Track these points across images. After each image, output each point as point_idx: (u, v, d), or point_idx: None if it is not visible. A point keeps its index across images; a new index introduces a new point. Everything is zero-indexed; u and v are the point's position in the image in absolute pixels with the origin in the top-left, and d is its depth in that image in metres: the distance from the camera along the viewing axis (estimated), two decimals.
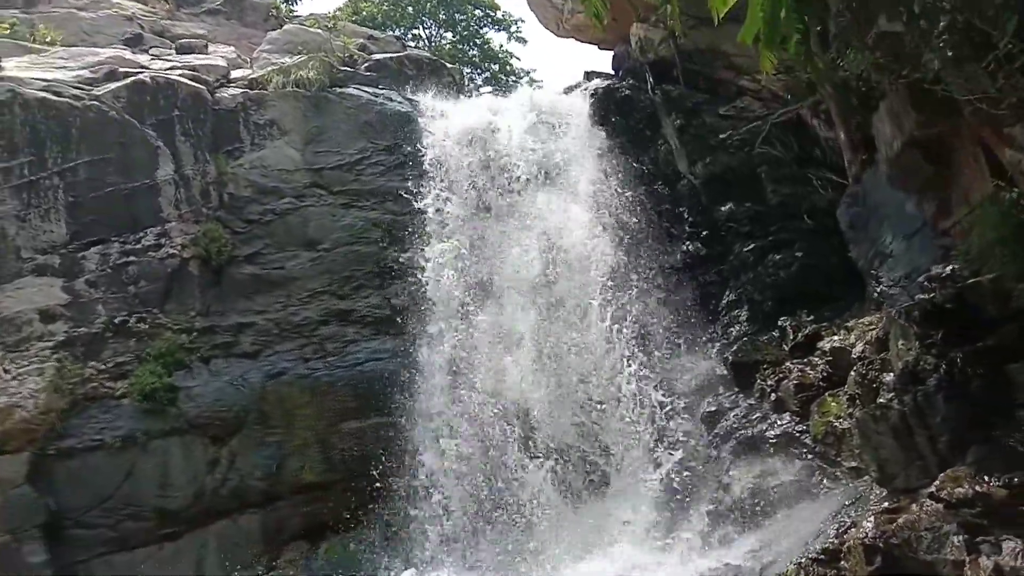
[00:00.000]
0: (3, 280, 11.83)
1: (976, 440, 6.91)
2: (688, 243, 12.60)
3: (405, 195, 13.34)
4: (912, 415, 7.41)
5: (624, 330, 11.80)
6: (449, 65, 17.65)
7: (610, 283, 12.13)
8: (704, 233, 12.58)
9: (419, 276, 12.76)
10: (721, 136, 12.69)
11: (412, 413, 11.95)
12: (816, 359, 9.93)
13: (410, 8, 27.85)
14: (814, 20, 8.72)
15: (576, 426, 11.56)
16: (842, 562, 6.86)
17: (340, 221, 13.33)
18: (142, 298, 12.36)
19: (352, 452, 11.98)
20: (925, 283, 8.25)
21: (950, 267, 8.03)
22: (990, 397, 6.96)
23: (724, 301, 12.01)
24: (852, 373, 9.04)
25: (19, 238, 12.07)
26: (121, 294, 12.29)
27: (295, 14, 21.05)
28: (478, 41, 28.95)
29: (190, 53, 15.35)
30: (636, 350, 11.65)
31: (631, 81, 14.28)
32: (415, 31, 28.10)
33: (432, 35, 28.54)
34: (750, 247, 12.10)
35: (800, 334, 10.46)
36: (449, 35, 28.79)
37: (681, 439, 10.83)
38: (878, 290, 9.62)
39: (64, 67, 13.73)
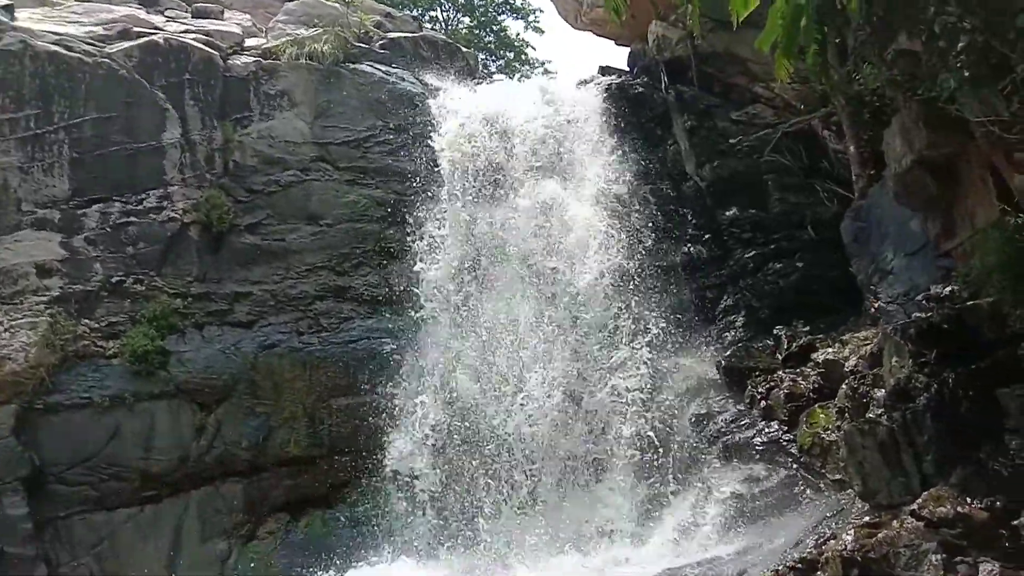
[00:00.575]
0: (2, 232, 11.80)
1: (961, 461, 6.94)
2: (690, 245, 12.59)
3: (411, 176, 13.30)
4: (900, 432, 7.43)
5: (620, 325, 11.80)
6: (464, 49, 17.57)
7: (609, 278, 12.11)
8: (706, 236, 12.58)
9: (417, 258, 12.74)
10: (731, 141, 12.67)
11: (403, 393, 11.93)
12: (808, 370, 9.95)
13: None
14: (833, 32, 8.67)
15: (560, 415, 11.53)
16: (819, 573, 6.88)
17: (344, 197, 13.28)
18: (140, 259, 12.33)
19: (340, 429, 11.96)
20: (923, 302, 8.28)
21: (949, 288, 8.05)
22: (979, 419, 6.98)
23: (721, 305, 12.02)
24: (843, 386, 9.07)
25: (20, 190, 12.03)
26: (119, 254, 12.26)
27: None
28: (495, 28, 28.85)
29: (206, 18, 15.26)
30: (630, 346, 11.64)
31: (645, 79, 14.24)
32: (432, 13, 27.99)
33: (449, 18, 28.44)
34: (751, 254, 12.12)
35: (794, 344, 10.48)
36: (466, 19, 28.70)
37: (667, 439, 10.83)
38: (876, 306, 9.64)
39: (77, 22, 13.68)
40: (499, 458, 11.40)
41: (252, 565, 11.31)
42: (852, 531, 7.00)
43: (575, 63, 48.49)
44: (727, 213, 12.54)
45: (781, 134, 12.09)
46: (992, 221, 7.71)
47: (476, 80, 15.87)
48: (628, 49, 15.54)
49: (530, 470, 11.31)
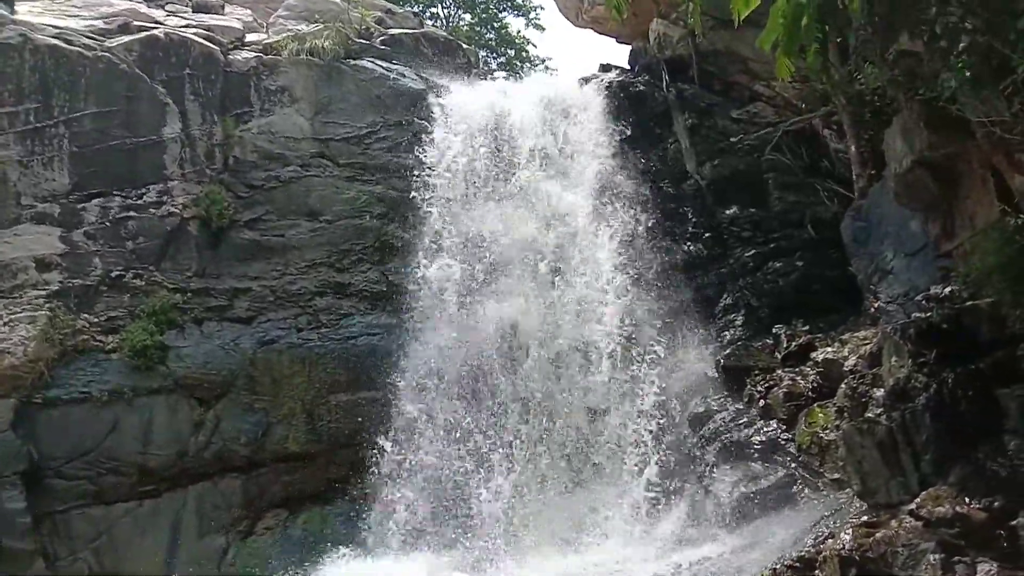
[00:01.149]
0: (1, 225, 11.81)
1: (960, 461, 6.92)
2: (689, 243, 12.57)
3: (411, 172, 13.29)
4: (899, 431, 7.42)
5: (619, 323, 11.80)
6: (465, 46, 17.54)
7: (608, 275, 12.10)
8: (706, 235, 12.56)
9: (417, 255, 12.73)
10: (732, 139, 12.67)
11: (401, 390, 11.93)
12: (808, 369, 9.94)
13: None
14: (834, 32, 8.67)
15: (558, 413, 11.54)
16: (816, 571, 6.87)
17: (343, 194, 13.28)
18: (139, 254, 12.34)
19: (339, 425, 11.98)
20: (923, 302, 8.28)
21: (949, 288, 8.06)
22: (978, 420, 6.97)
23: (721, 304, 12.00)
24: (843, 386, 9.06)
25: (20, 184, 12.04)
26: (119, 248, 12.27)
27: None
28: (496, 25, 28.79)
29: (206, 13, 15.22)
30: (629, 344, 11.65)
31: (646, 77, 14.21)
32: (433, 9, 27.93)
33: (450, 15, 28.39)
34: (751, 252, 12.11)
35: (794, 343, 10.46)
36: (467, 16, 28.63)
37: (666, 437, 10.84)
38: (875, 305, 9.65)
39: (78, 15, 13.65)
40: (497, 452, 11.40)
41: (250, 561, 11.32)
42: (850, 530, 6.99)
43: (576, 61, 48.47)
44: (727, 212, 12.53)
45: (782, 133, 12.08)
46: (992, 222, 7.71)
47: (477, 77, 15.85)
48: (629, 47, 15.51)
49: (528, 466, 11.31)
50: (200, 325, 12.27)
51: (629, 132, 13.53)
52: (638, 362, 11.55)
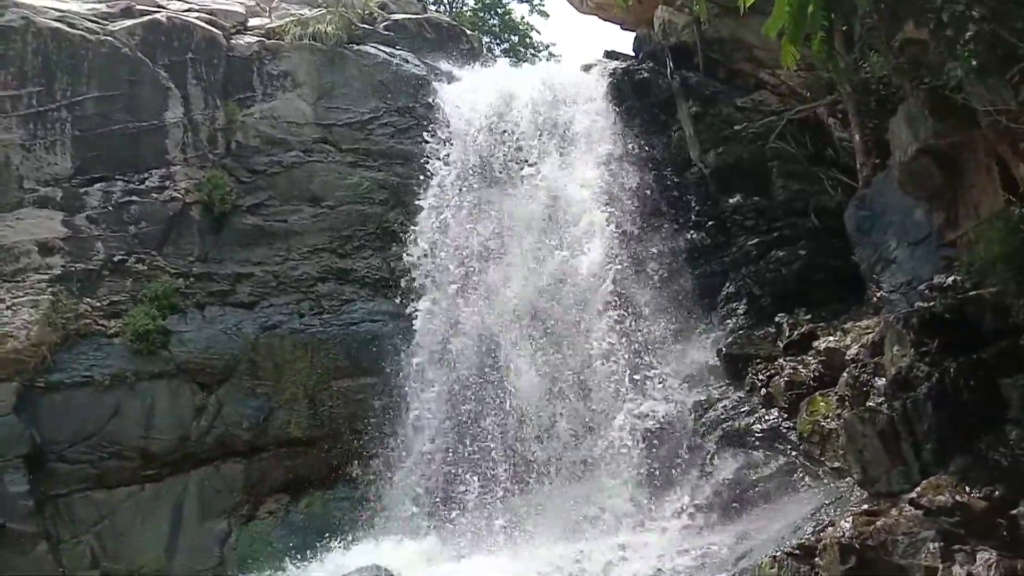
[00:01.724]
0: (4, 209, 11.79)
1: (961, 450, 6.94)
2: (692, 231, 12.55)
3: (413, 158, 13.25)
4: (900, 420, 7.42)
5: (621, 311, 11.79)
6: (469, 32, 17.48)
7: (610, 262, 12.09)
8: (709, 223, 12.53)
9: (419, 241, 12.73)
10: (736, 127, 12.64)
11: (403, 376, 11.95)
12: (809, 358, 9.93)
13: None
14: (840, 20, 8.66)
15: (560, 401, 11.55)
16: (816, 559, 6.90)
17: (346, 179, 13.26)
18: (142, 239, 12.34)
19: (340, 410, 11.99)
20: (926, 291, 8.29)
21: (952, 278, 8.06)
22: (979, 409, 6.99)
23: (723, 293, 12.00)
24: (844, 375, 9.06)
25: (23, 168, 12.03)
26: (121, 233, 12.27)
27: None
28: (499, 11, 28.61)
29: None
30: (631, 332, 11.64)
31: (650, 64, 14.15)
32: None
33: (454, 1, 28.24)
34: (754, 241, 12.10)
35: (796, 332, 10.45)
36: (471, 2, 28.46)
37: (668, 425, 10.84)
38: (878, 295, 9.65)
39: None
40: (500, 442, 11.42)
41: (252, 545, 11.35)
42: (850, 518, 7.01)
43: (580, 47, 48.27)
44: (730, 200, 12.51)
45: (786, 121, 12.06)
46: (997, 211, 7.70)
47: (480, 63, 15.79)
48: (633, 34, 15.45)
49: (529, 454, 11.34)
50: (202, 309, 12.27)
51: (632, 119, 13.48)
52: (640, 350, 11.54)
